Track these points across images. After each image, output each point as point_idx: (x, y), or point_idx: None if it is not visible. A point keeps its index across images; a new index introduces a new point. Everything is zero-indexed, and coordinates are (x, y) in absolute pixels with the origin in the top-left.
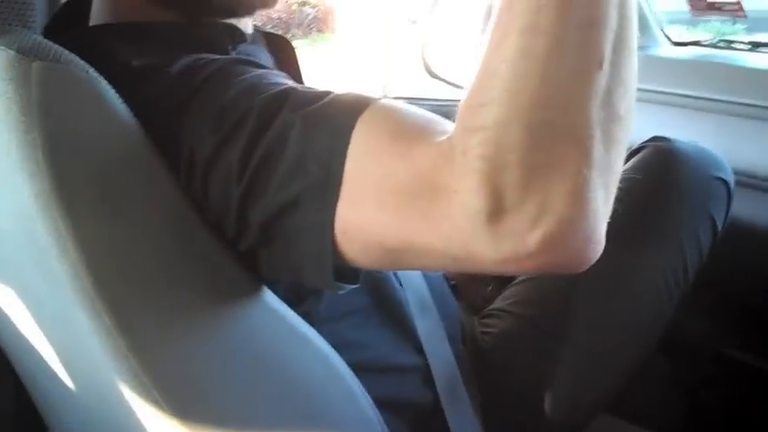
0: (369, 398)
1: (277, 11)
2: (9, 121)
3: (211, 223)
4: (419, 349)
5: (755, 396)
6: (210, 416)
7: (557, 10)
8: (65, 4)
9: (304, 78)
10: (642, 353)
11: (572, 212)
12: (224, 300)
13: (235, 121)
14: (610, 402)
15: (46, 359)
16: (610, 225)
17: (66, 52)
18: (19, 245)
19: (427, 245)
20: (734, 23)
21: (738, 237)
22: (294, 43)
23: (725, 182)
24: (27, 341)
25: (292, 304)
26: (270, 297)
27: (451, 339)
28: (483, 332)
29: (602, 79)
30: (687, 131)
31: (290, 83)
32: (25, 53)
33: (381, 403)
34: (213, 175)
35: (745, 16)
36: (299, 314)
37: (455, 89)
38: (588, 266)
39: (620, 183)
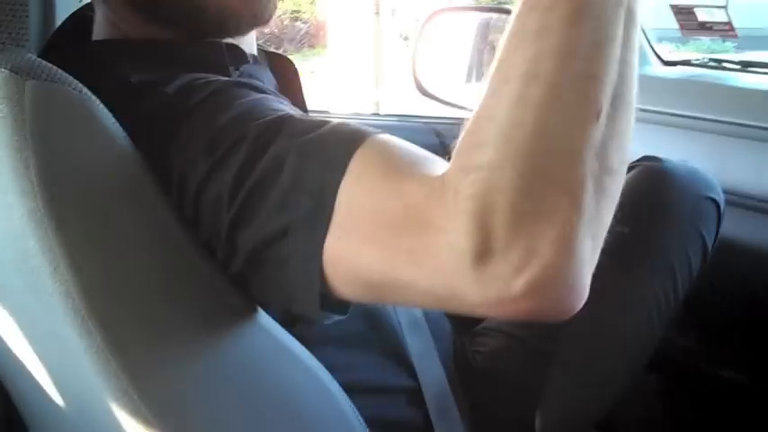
0: (360, 418)
1: (269, 26)
2: (2, 140)
3: (203, 244)
4: (410, 370)
5: (743, 414)
6: None
7: (556, 60)
8: (68, 20)
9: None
10: (633, 372)
11: (558, 260)
12: (216, 319)
13: (228, 145)
14: (599, 420)
15: (37, 377)
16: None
17: (61, 72)
18: (11, 263)
19: (412, 281)
20: (723, 41)
21: (728, 256)
22: (290, 58)
23: (715, 201)
24: (18, 359)
25: (284, 325)
26: (262, 317)
27: (443, 358)
28: (474, 351)
29: (597, 132)
30: (677, 151)
31: (288, 109)
32: (19, 72)
33: (372, 424)
34: (204, 197)
35: (737, 36)
36: (290, 335)
37: (446, 107)
38: (571, 315)
39: None
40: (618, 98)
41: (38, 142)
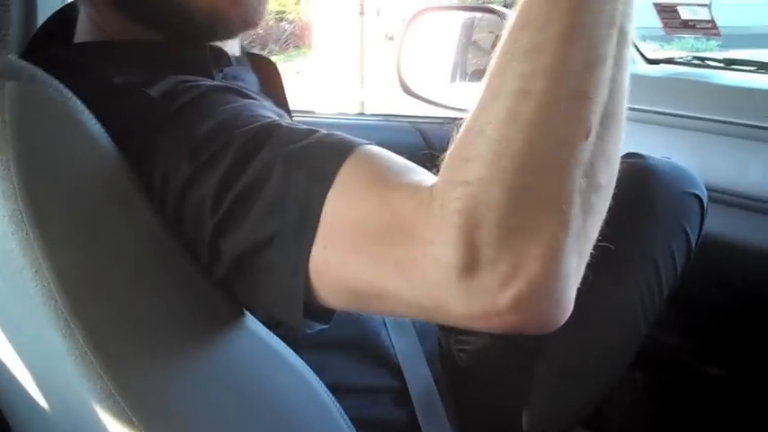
0: (346, 418)
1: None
2: None
3: (186, 246)
4: (395, 370)
5: (729, 410)
6: None
7: (548, 79)
8: (50, 20)
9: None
10: (618, 369)
11: (544, 275)
12: (200, 320)
13: (213, 150)
14: (585, 417)
15: (21, 379)
16: None
17: (41, 72)
18: None
19: (397, 293)
20: (708, 40)
21: (712, 253)
22: (271, 59)
23: (698, 197)
24: (1, 361)
25: (269, 327)
26: (246, 318)
27: (429, 358)
28: (460, 349)
29: (586, 150)
30: (661, 148)
31: (274, 116)
32: None
33: (358, 424)
34: (187, 201)
35: (719, 35)
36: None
37: (430, 106)
38: (554, 329)
39: None
40: (608, 117)
41: (18, 144)
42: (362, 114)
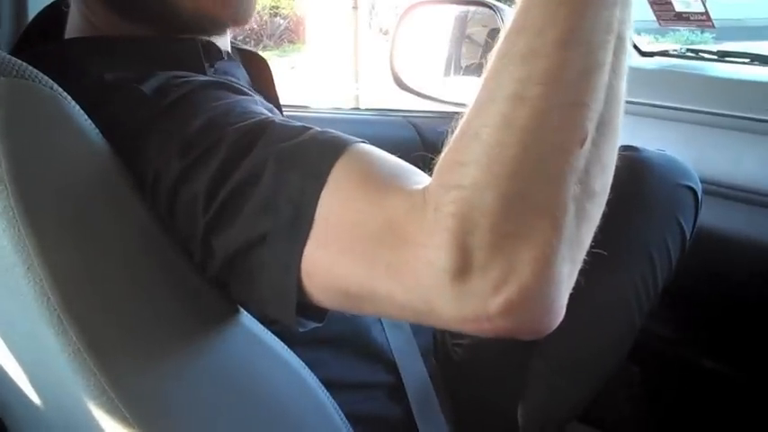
0: (341, 412)
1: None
2: None
3: (179, 243)
4: (390, 366)
5: (724, 404)
6: None
7: (544, 85)
8: (39, 16)
9: (278, 92)
10: (614, 363)
11: (536, 282)
12: (194, 317)
13: (205, 147)
14: (581, 411)
15: (15, 377)
16: None
17: (31, 69)
18: None
19: (389, 294)
20: (702, 33)
21: (706, 245)
22: (266, 54)
23: (693, 190)
24: None
25: (264, 323)
26: (240, 314)
27: (424, 353)
28: (455, 344)
29: (582, 157)
30: (655, 141)
31: (266, 112)
32: None
33: (353, 419)
34: (179, 198)
35: (713, 27)
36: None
37: (424, 100)
38: (545, 334)
39: None
40: (604, 124)
41: (8, 140)
42: (357, 109)
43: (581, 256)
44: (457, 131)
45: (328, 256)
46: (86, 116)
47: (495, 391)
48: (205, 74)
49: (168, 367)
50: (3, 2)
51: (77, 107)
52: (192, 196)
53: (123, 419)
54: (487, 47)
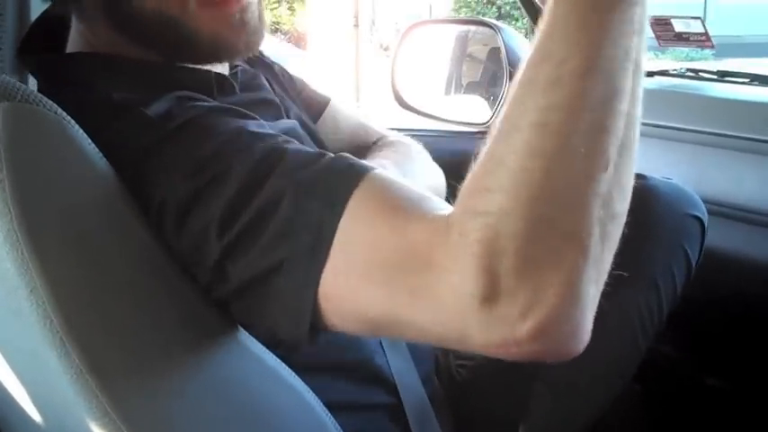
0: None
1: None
2: None
3: (181, 266)
4: (391, 387)
5: (728, 422)
6: None
7: (568, 112)
8: (35, 24)
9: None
10: (616, 386)
11: (563, 305)
12: (196, 338)
13: (218, 171)
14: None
15: (17, 397)
16: None
17: (35, 93)
18: None
19: (412, 320)
20: (702, 50)
21: (709, 264)
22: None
23: (699, 219)
24: None
25: (268, 347)
26: (242, 335)
27: (426, 373)
28: (459, 365)
29: (606, 181)
30: (656, 161)
31: (278, 135)
32: None
33: None
34: (188, 221)
35: (713, 47)
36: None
37: (425, 119)
38: (572, 357)
39: None
40: (624, 148)
41: (12, 164)
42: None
43: (604, 277)
44: (480, 158)
45: (348, 284)
46: (90, 140)
47: (497, 412)
48: (214, 100)
49: (170, 389)
50: (6, 24)
51: (81, 131)
52: (205, 220)
53: None
54: (488, 66)
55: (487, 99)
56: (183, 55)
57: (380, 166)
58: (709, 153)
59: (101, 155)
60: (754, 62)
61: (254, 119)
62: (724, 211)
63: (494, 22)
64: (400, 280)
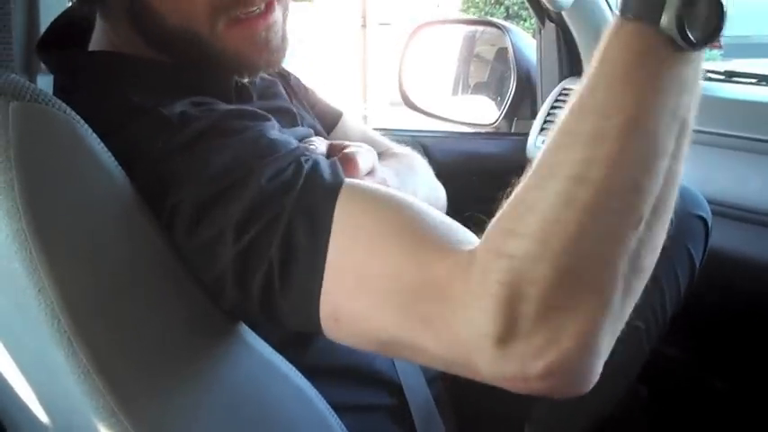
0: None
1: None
2: None
3: (189, 269)
4: (395, 388)
5: (733, 423)
6: None
7: (607, 168)
8: (55, 22)
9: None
10: (621, 387)
11: (577, 352)
12: (203, 338)
13: (234, 179)
14: None
15: (24, 397)
16: None
17: (45, 93)
18: None
19: (422, 346)
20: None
21: (713, 265)
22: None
23: (703, 219)
24: (5, 378)
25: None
26: (249, 336)
27: (431, 374)
28: None
29: (635, 238)
30: None
31: (293, 141)
32: (2, 94)
33: None
34: (202, 226)
35: (721, 47)
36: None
37: (432, 120)
38: (578, 395)
39: None
40: (658, 206)
41: (22, 164)
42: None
43: (620, 327)
44: (511, 199)
45: (360, 306)
46: (100, 140)
47: (502, 413)
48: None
49: (177, 389)
50: (15, 23)
51: (90, 131)
52: (219, 225)
53: None
54: (495, 66)
55: (495, 100)
56: (204, 67)
57: (382, 174)
58: (715, 153)
59: (110, 155)
60: (762, 62)
61: (268, 120)
62: (728, 212)
63: (501, 22)
64: (413, 307)
